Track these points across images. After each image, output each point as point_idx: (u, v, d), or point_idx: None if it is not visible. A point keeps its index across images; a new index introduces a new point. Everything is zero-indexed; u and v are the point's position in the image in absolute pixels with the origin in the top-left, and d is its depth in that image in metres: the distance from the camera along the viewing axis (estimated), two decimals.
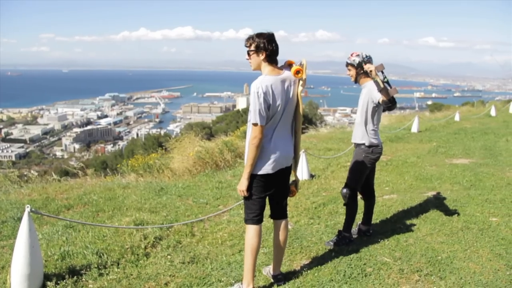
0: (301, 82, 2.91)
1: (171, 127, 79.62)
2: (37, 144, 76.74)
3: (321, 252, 3.71)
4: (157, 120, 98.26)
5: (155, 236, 4.11)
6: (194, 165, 8.64)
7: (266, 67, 2.86)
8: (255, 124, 2.77)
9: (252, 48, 2.84)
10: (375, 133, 3.72)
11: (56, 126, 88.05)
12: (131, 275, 3.43)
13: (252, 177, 2.90)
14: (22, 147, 71.74)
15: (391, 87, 3.39)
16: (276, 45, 2.85)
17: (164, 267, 3.55)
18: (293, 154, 3.03)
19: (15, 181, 7.80)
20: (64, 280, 3.31)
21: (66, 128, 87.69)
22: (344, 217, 3.92)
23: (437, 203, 4.96)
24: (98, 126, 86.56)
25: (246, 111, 37.71)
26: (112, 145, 73.46)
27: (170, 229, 4.38)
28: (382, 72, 3.42)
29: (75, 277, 3.36)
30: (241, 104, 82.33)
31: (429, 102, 57.89)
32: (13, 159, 64.53)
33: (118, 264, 3.61)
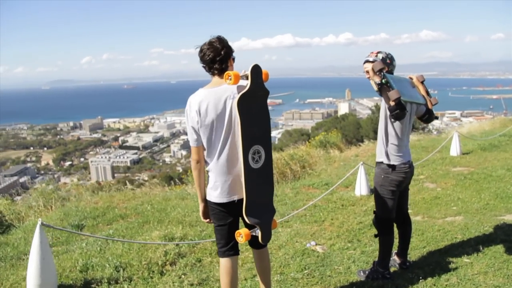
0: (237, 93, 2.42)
1: (273, 133, 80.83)
2: (149, 150, 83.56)
3: (342, 285, 3.24)
4: None
5: (176, 253, 4.00)
6: None
7: (212, 79, 2.56)
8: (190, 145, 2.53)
9: None
10: (399, 149, 3.11)
11: (165, 133, 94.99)
12: None
13: (207, 202, 2.62)
14: (136, 153, 78.77)
15: (391, 90, 2.80)
16: (214, 53, 2.46)
17: (171, 287, 3.40)
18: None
19: (90, 189, 8.44)
20: None
21: (174, 135, 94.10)
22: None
23: (510, 230, 4.08)
24: None
25: (344, 117, 36.64)
26: None
27: (196, 246, 4.24)
28: (380, 72, 2.84)
29: None
30: (343, 110, 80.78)
31: None
32: (128, 164, 71.25)
33: (131, 280, 3.57)
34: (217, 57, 2.46)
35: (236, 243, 2.66)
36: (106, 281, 3.50)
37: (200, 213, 2.70)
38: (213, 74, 2.53)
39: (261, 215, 2.52)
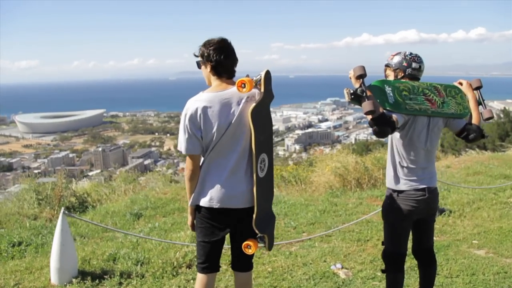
0: (254, 99, 2.28)
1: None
2: None
3: None
4: None
5: (196, 256, 3.93)
6: (333, 180, 8.04)
7: (213, 82, 2.35)
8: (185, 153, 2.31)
9: (200, 58, 2.37)
10: (410, 172, 2.57)
11: (281, 127, 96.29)
12: None
13: (194, 213, 2.45)
14: None
15: (366, 100, 2.28)
16: (227, 54, 2.28)
17: None
18: (250, 194, 2.32)
19: (169, 179, 8.90)
20: (88, 281, 3.50)
21: (289, 129, 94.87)
22: None
23: None
24: (318, 129, 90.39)
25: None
26: (330, 148, 75.98)
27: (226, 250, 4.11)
28: (360, 78, 2.34)
29: (97, 280, 3.52)
30: None
31: None
32: None
33: (143, 276, 3.63)
34: (232, 59, 2.32)
35: (216, 261, 2.53)
36: (118, 274, 3.60)
37: (189, 225, 2.56)
38: (219, 76, 2.33)
39: (267, 223, 2.46)
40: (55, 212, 6.47)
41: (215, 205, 2.33)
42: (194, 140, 2.28)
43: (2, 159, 61.73)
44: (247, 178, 2.33)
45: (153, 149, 75.37)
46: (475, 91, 2.73)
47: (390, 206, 2.64)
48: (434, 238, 4.33)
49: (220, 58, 2.27)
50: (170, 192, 7.28)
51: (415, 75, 2.60)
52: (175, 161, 66.63)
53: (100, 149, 67.39)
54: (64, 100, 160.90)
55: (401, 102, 2.42)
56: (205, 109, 2.24)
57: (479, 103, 2.70)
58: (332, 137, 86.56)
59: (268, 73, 2.30)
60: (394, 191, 2.61)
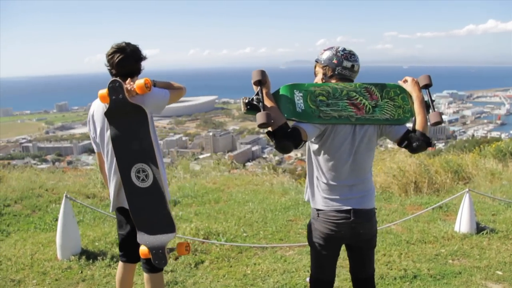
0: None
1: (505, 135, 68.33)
2: None
3: None
4: (498, 122, 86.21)
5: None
6: (389, 182, 7.50)
7: None
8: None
9: None
10: (330, 190, 2.21)
11: None
12: None
13: None
14: None
15: (263, 109, 2.00)
16: (116, 60, 2.32)
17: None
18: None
19: (225, 169, 9.17)
20: (83, 259, 3.87)
21: None
22: None
23: None
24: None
25: None
26: (444, 144, 70.32)
27: (221, 247, 4.17)
28: (258, 84, 2.07)
29: (91, 260, 3.87)
30: None
31: None
32: None
33: None
34: (121, 63, 2.34)
35: (130, 252, 2.61)
36: (110, 256, 3.90)
37: None
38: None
39: (153, 235, 2.37)
40: None
41: (111, 202, 2.54)
42: (92, 140, 2.57)
43: None
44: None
45: (261, 136, 77.22)
46: (422, 90, 2.27)
47: (311, 227, 2.33)
48: (449, 260, 3.90)
49: (108, 63, 2.37)
50: (219, 182, 7.50)
51: (346, 75, 2.25)
52: None
53: (210, 133, 71.21)
54: None
55: (314, 110, 2.12)
56: (92, 113, 2.47)
57: (427, 104, 2.24)
58: (447, 132, 79.87)
59: (109, 84, 2.20)
60: (315, 210, 2.30)
